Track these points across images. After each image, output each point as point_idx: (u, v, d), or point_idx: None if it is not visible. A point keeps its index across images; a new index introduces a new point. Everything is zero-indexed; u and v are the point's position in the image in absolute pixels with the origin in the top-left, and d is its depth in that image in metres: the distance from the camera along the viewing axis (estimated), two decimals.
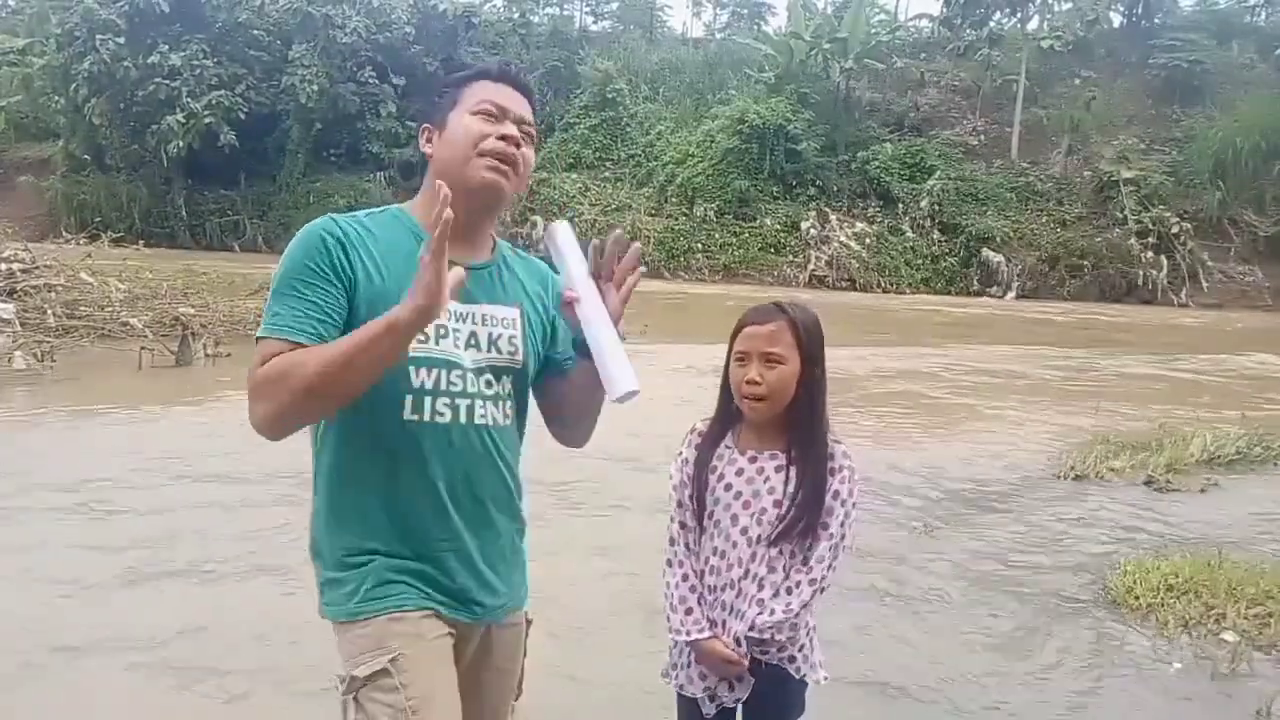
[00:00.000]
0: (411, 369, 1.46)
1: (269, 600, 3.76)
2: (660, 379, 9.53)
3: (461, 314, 1.52)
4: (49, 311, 10.02)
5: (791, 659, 1.87)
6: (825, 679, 1.93)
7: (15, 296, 10.23)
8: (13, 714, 2.88)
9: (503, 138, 1.51)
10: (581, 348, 1.54)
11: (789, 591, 1.83)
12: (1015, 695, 3.23)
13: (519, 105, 1.56)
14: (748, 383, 1.81)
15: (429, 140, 1.58)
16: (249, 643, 3.36)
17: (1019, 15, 37.39)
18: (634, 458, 5.97)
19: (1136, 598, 4.02)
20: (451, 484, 1.51)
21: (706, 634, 1.84)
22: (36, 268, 11.22)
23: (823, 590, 1.83)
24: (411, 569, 1.50)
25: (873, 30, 35.16)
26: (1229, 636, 3.66)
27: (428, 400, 1.48)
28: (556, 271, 1.64)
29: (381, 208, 1.58)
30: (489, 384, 1.55)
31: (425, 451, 1.48)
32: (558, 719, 2.83)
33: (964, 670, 3.41)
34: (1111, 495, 5.96)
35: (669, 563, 1.93)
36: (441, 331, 1.49)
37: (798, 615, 1.82)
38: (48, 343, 9.26)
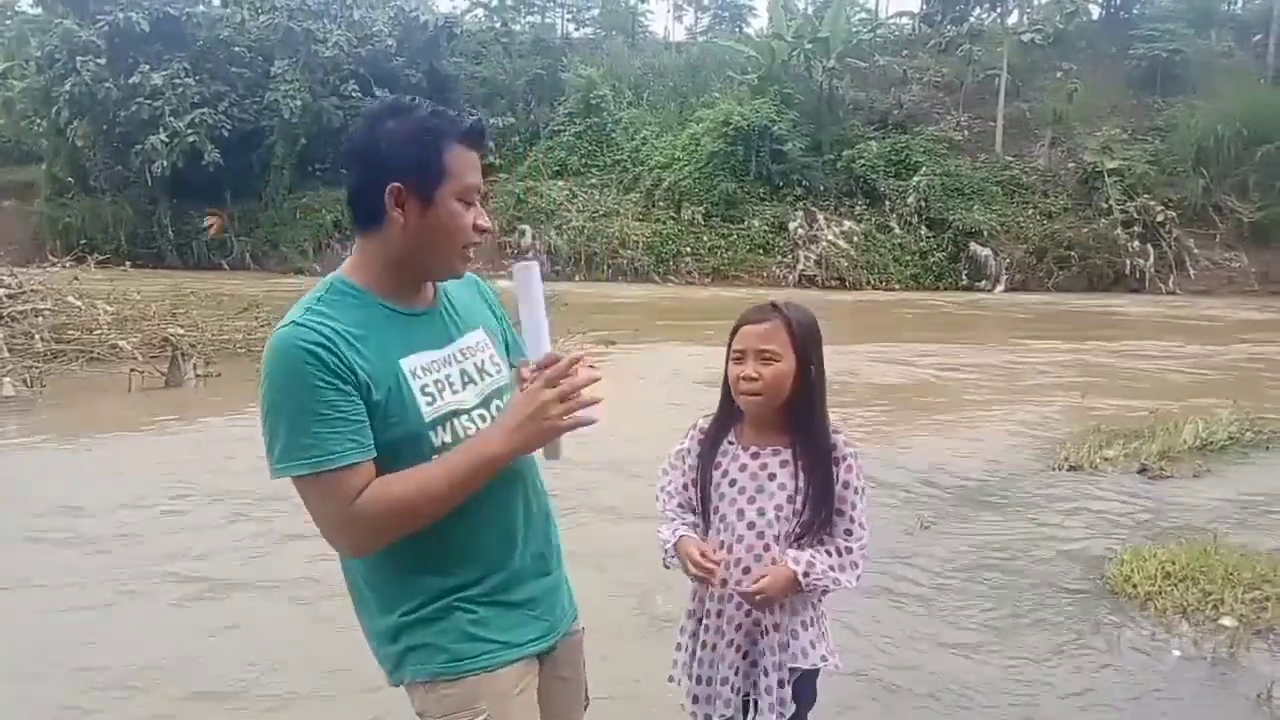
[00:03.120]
0: (431, 432, 1.46)
1: (281, 620, 3.75)
2: (650, 383, 9.53)
3: (445, 359, 1.52)
4: (37, 336, 9.94)
5: (804, 652, 1.90)
6: (837, 666, 1.97)
7: (2, 322, 10.16)
8: None
9: (480, 229, 1.49)
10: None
11: (838, 553, 1.88)
12: (1015, 686, 3.24)
13: (481, 174, 1.51)
14: (744, 379, 1.87)
15: (399, 204, 1.42)
16: (259, 665, 3.34)
17: (998, 10, 37.59)
18: (623, 463, 5.96)
19: (1134, 586, 4.04)
20: (509, 512, 1.54)
21: (689, 534, 1.91)
22: (23, 292, 11.12)
23: (859, 577, 1.92)
24: (489, 611, 1.51)
25: (854, 29, 35.24)
26: (1227, 622, 3.68)
27: None
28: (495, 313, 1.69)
29: (323, 285, 1.48)
30: (497, 409, 1.57)
31: (474, 501, 1.48)
32: None
33: (962, 663, 3.41)
34: (1106, 484, 5.98)
35: (670, 522, 1.99)
36: (439, 385, 1.48)
37: (849, 581, 1.89)
38: (36, 368, 9.20)
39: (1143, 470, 6.23)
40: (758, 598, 1.82)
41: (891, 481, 5.97)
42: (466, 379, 1.53)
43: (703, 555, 1.83)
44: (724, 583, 1.88)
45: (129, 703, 3.07)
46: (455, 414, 1.49)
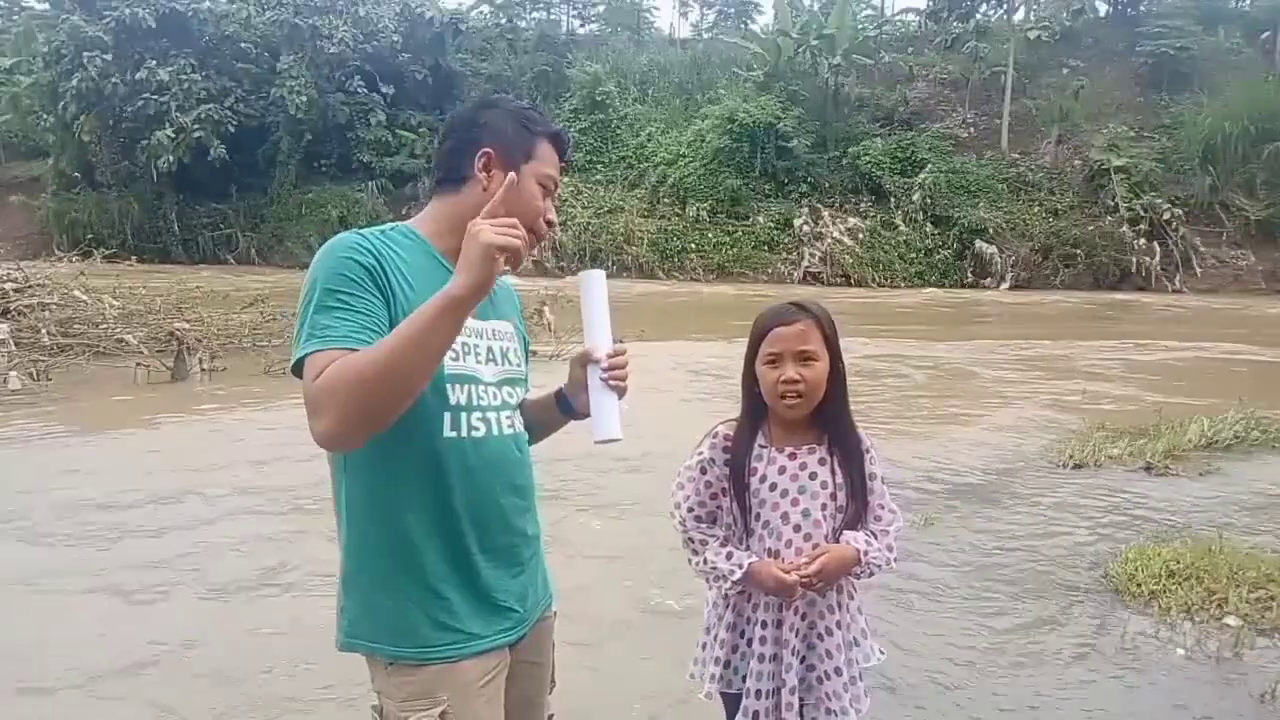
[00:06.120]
0: (449, 386, 1.47)
1: (284, 613, 3.76)
2: (658, 381, 9.53)
3: (478, 330, 1.56)
4: (43, 330, 9.97)
5: (867, 656, 1.99)
6: (881, 654, 2.04)
7: (9, 316, 10.18)
8: None
9: (549, 222, 1.58)
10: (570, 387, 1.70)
11: (876, 537, 1.91)
12: (1018, 685, 3.24)
13: (558, 173, 1.61)
14: (786, 382, 1.84)
15: (486, 169, 1.52)
16: (264, 658, 3.35)
17: (1005, 6, 37.52)
18: (631, 459, 5.96)
19: (1138, 585, 4.03)
20: (495, 496, 1.55)
21: (756, 559, 1.86)
22: (30, 287, 11.16)
23: (895, 559, 1.94)
24: (461, 598, 1.50)
25: (860, 25, 35.25)
26: (1232, 621, 3.67)
27: (464, 416, 1.50)
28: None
29: (390, 224, 1.55)
30: (509, 395, 1.61)
31: (468, 467, 1.49)
32: None
33: (966, 662, 3.41)
34: (1111, 482, 5.97)
35: (702, 544, 1.92)
36: (465, 348, 1.51)
37: (892, 561, 1.93)
38: (43, 362, 9.23)
39: (1148, 468, 6.22)
40: (816, 581, 1.81)
41: (895, 478, 5.96)
42: (490, 356, 1.57)
43: (784, 571, 1.81)
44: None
45: (131, 699, 3.09)
46: (474, 380, 1.52)
